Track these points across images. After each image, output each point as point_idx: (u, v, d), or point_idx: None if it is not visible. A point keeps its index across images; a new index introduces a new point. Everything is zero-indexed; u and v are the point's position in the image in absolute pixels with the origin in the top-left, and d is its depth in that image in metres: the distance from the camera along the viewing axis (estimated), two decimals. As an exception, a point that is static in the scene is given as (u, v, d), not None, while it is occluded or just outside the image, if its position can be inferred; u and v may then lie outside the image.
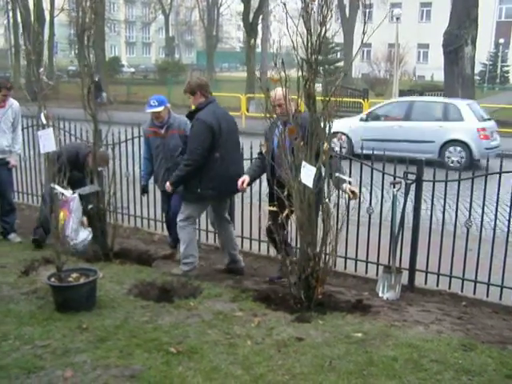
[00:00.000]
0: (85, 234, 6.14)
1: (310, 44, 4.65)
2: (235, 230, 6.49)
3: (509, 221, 5.54)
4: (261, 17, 29.10)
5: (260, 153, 5.78)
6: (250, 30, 27.71)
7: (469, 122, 14.08)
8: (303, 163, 4.68)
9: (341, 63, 38.53)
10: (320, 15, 4.58)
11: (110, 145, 7.42)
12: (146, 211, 7.71)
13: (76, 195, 5.82)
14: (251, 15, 28.10)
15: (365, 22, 4.66)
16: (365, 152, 6.77)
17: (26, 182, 8.87)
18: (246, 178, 5.62)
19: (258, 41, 35.04)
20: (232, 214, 6.66)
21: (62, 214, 5.92)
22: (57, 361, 3.92)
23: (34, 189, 8.85)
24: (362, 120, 15.56)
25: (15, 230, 7.15)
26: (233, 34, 73.53)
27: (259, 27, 30.76)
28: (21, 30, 33.92)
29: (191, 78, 6.86)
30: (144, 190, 6.80)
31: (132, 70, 56.10)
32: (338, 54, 40.75)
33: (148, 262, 6.31)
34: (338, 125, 14.12)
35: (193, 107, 5.97)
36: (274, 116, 5.10)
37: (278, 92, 5.21)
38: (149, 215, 7.74)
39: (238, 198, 6.89)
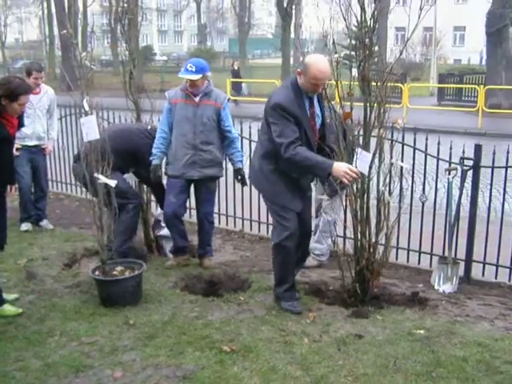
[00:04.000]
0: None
1: (363, 22, 4.36)
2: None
3: None
4: (295, 1, 28.68)
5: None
6: (285, 15, 27.32)
7: None
8: (358, 150, 4.40)
9: (376, 48, 37.77)
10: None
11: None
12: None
13: None
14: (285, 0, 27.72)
15: None
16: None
17: (65, 172, 8.77)
18: None
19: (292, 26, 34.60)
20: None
21: None
22: (105, 359, 3.77)
23: (72, 178, 8.73)
24: None
25: (47, 217, 7.10)
26: (264, 20, 72.88)
27: (293, 12, 30.34)
28: (55, 21, 34.15)
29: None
30: (156, 173, 5.48)
31: (164, 58, 56.03)
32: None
33: (191, 253, 6.07)
34: None
35: None
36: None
37: (324, 69, 4.27)
38: (190, 204, 7.54)
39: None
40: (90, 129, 4.43)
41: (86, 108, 4.45)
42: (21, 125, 4.45)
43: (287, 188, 4.50)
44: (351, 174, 4.12)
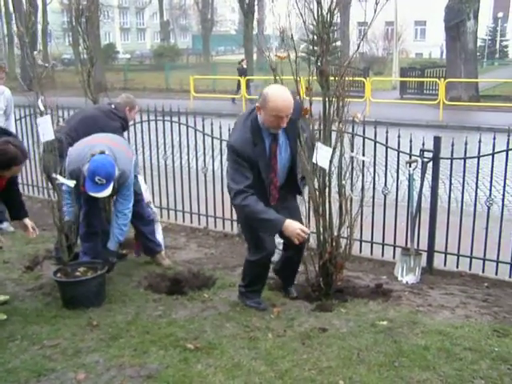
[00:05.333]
0: None
1: (320, 17, 4.38)
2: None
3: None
4: (257, -3, 28.71)
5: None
6: (247, 11, 27.30)
7: None
8: (318, 144, 4.42)
9: (338, 43, 38.05)
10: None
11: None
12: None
13: None
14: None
15: None
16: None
17: (27, 173, 8.61)
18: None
19: (255, 23, 34.59)
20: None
21: None
22: (68, 362, 3.71)
23: (34, 179, 8.59)
24: None
25: (7, 219, 6.97)
26: (228, 16, 72.76)
27: (255, 8, 30.35)
28: (13, 20, 33.51)
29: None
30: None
31: (127, 56, 55.52)
32: (335, 33, 40.17)
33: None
34: None
35: None
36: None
37: (286, 98, 3.93)
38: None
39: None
40: (46, 129, 4.36)
41: (41, 108, 4.37)
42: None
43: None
44: (303, 235, 3.98)
